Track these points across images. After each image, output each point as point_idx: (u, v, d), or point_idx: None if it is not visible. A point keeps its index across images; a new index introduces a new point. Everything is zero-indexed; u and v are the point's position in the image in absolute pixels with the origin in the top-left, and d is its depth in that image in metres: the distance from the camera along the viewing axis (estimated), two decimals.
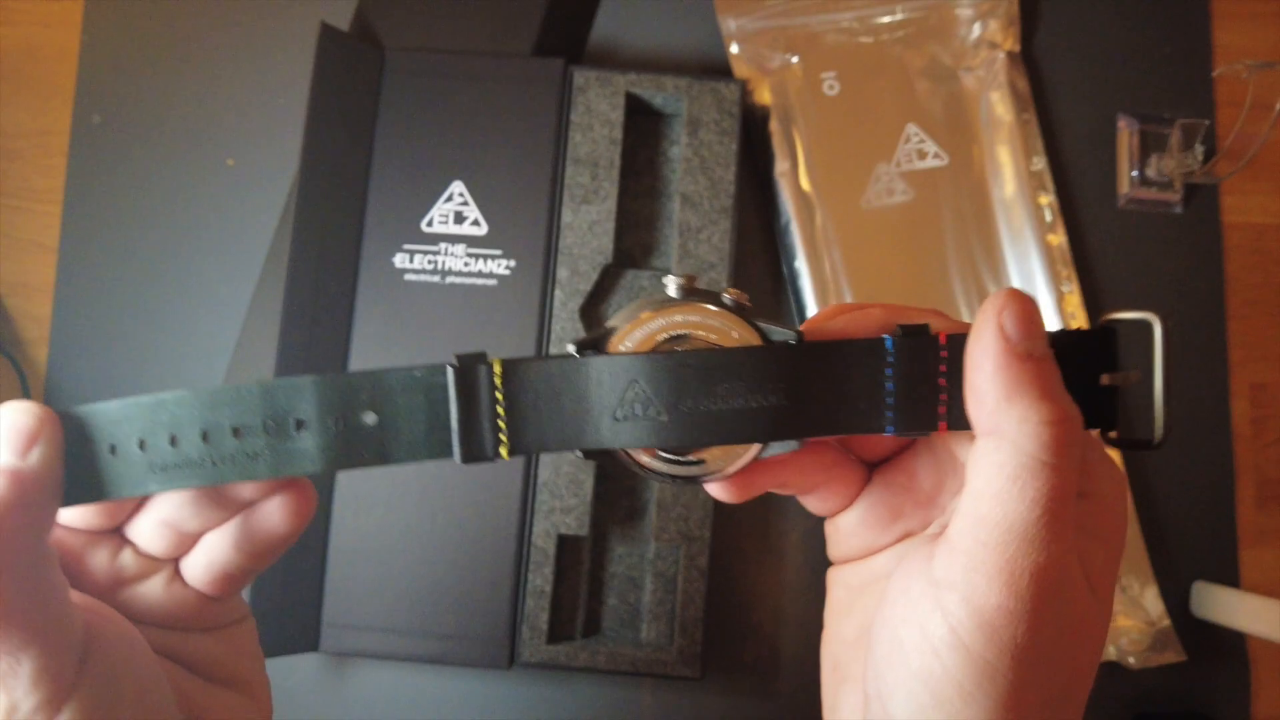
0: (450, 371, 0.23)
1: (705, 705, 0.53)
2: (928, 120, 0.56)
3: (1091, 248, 0.57)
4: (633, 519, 0.54)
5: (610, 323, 0.24)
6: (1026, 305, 0.23)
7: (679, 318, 0.24)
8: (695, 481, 0.24)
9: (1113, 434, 0.25)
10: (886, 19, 0.57)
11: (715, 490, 0.25)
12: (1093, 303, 0.55)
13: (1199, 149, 0.56)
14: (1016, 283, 0.55)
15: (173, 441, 0.23)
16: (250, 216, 0.57)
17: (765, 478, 0.26)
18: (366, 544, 0.51)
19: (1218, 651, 0.54)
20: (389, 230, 0.53)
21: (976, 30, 0.57)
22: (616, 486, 0.54)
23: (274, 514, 0.26)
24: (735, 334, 0.24)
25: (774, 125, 0.56)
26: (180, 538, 0.26)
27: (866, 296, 0.54)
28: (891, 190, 0.56)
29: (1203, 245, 0.58)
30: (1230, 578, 0.55)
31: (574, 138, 0.54)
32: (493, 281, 0.53)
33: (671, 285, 0.24)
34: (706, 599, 0.51)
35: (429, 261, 0.53)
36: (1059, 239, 0.55)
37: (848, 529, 0.28)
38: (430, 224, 0.53)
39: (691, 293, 0.24)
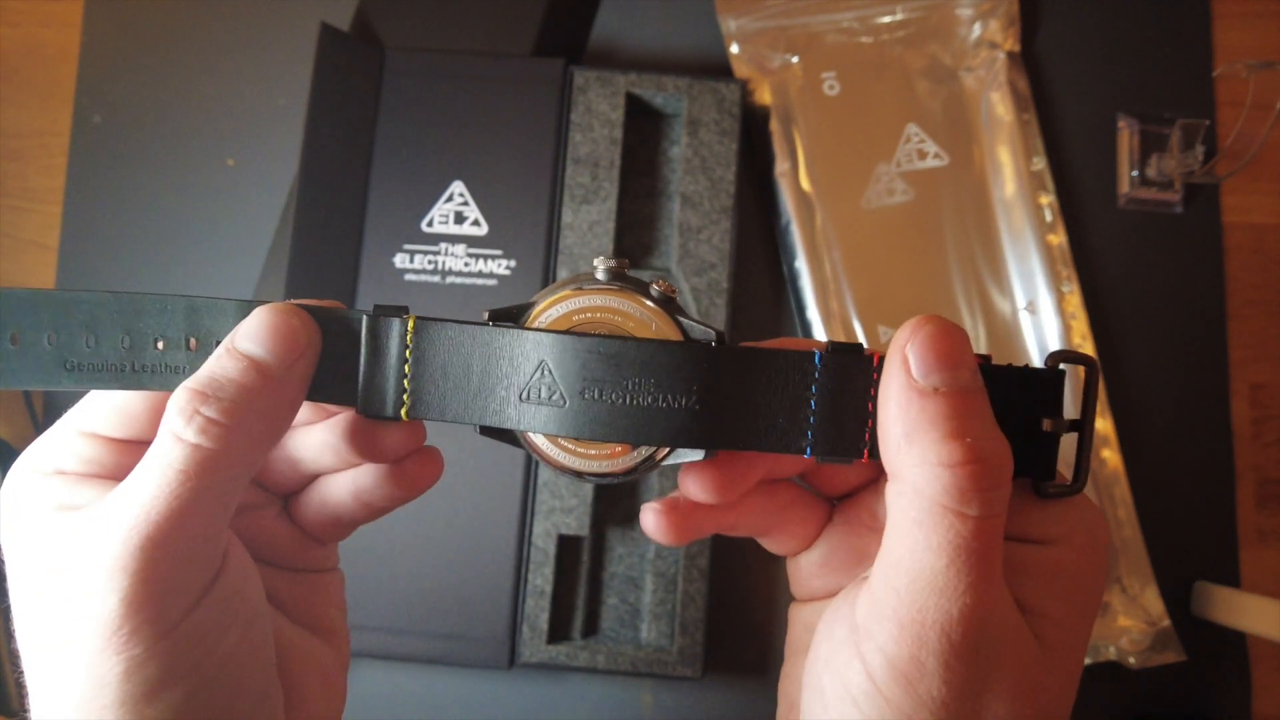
0: (364, 319, 0.23)
1: (706, 705, 0.53)
2: (928, 120, 0.56)
3: (1092, 248, 0.57)
4: (633, 519, 0.54)
5: (534, 298, 0.23)
6: (938, 335, 0.21)
7: (599, 300, 0.23)
8: (591, 479, 0.23)
9: (1049, 485, 0.23)
10: (887, 19, 0.57)
11: (652, 531, 0.24)
12: (1093, 303, 0.55)
13: (1199, 149, 0.56)
14: (1017, 283, 0.55)
15: (90, 342, 0.23)
16: (250, 216, 0.57)
17: (707, 521, 0.24)
18: (366, 544, 0.51)
19: (1218, 651, 0.54)
20: (389, 230, 0.53)
21: (977, 30, 0.57)
22: (617, 487, 0.54)
23: (411, 472, 0.25)
24: (655, 326, 0.22)
25: (774, 125, 0.56)
26: (301, 476, 0.26)
27: (867, 296, 0.55)
28: (892, 190, 0.56)
29: (1203, 245, 0.57)
30: (1231, 577, 0.55)
31: (574, 138, 0.54)
32: (493, 281, 0.53)
33: (600, 268, 0.23)
34: (707, 599, 0.51)
35: (429, 261, 0.53)
36: (1059, 239, 0.55)
37: (809, 570, 0.26)
38: (430, 224, 0.53)
39: (619, 278, 0.23)
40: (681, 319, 0.23)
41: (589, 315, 0.23)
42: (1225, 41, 0.59)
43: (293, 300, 0.24)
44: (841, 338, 0.54)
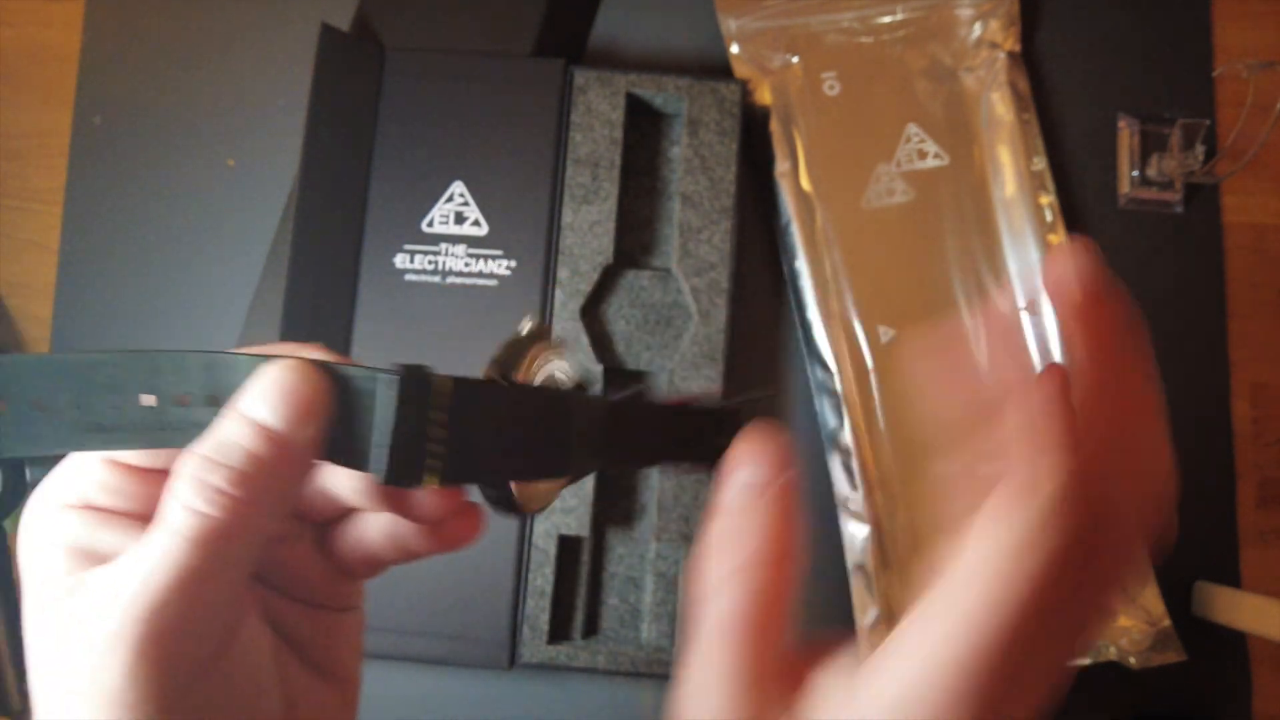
0: (386, 380, 0.21)
1: None
2: (928, 120, 0.56)
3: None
4: (633, 519, 0.54)
5: (502, 353, 0.23)
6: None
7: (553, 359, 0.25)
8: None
9: None
10: (887, 19, 0.57)
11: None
12: None
13: (1199, 149, 0.56)
14: (1018, 282, 0.55)
15: (115, 403, 0.22)
16: (250, 216, 0.57)
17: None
18: None
19: (1219, 651, 0.54)
20: (389, 230, 0.53)
21: (977, 30, 0.57)
22: (617, 487, 0.54)
23: (449, 532, 0.24)
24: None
25: (774, 125, 0.56)
26: (337, 508, 0.25)
27: (867, 296, 0.54)
28: (892, 190, 0.56)
29: (1203, 245, 0.57)
30: (1231, 578, 0.55)
31: (574, 138, 0.54)
32: (493, 282, 0.53)
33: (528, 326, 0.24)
34: None
35: (429, 262, 0.53)
36: (1059, 239, 0.55)
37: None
38: (430, 224, 0.53)
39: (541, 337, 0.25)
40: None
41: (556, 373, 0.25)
42: (1225, 41, 0.59)
43: (311, 350, 0.23)
44: (842, 337, 0.54)
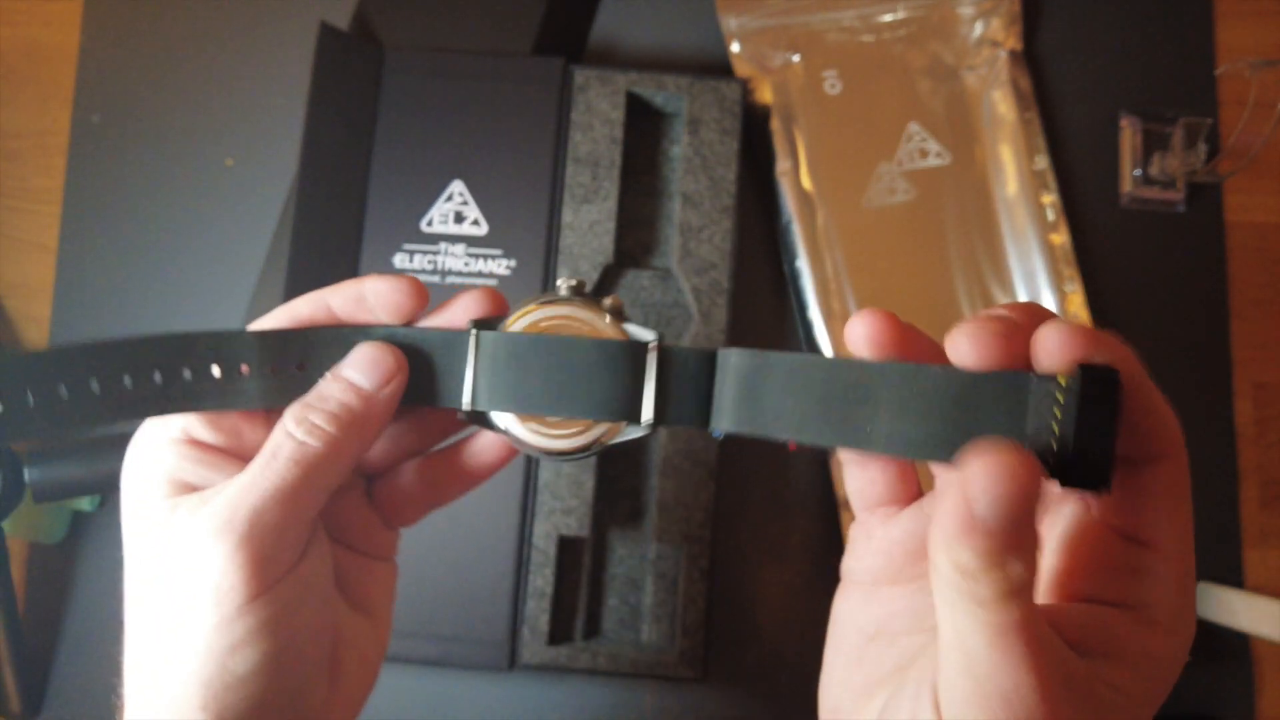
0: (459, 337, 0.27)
1: (707, 707, 0.53)
2: (930, 119, 0.56)
3: (1094, 247, 0.57)
4: (634, 520, 0.54)
5: (508, 311, 0.28)
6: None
7: (563, 310, 0.28)
8: (553, 457, 0.28)
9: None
10: (888, 17, 0.57)
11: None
12: (1096, 302, 0.55)
13: (1202, 148, 0.56)
14: (1020, 282, 0.55)
15: (130, 381, 0.27)
16: (250, 216, 0.57)
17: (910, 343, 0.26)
18: None
19: (1221, 653, 0.54)
20: (389, 230, 0.53)
21: (978, 29, 0.57)
22: (617, 487, 0.54)
23: (475, 454, 0.30)
24: (606, 330, 0.28)
25: (775, 124, 0.56)
26: (382, 460, 0.30)
27: (869, 295, 0.54)
28: (893, 189, 0.56)
29: (1206, 244, 0.57)
30: (1234, 578, 0.54)
31: (574, 137, 0.53)
32: (493, 281, 0.53)
33: (563, 286, 0.28)
34: (707, 600, 0.50)
35: (429, 261, 0.53)
36: (1062, 238, 0.55)
37: (885, 541, 0.25)
38: (430, 224, 0.53)
39: (577, 294, 0.28)
40: (627, 324, 0.28)
41: (554, 321, 0.28)
42: (1228, 40, 0.59)
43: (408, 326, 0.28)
44: (843, 338, 0.54)
